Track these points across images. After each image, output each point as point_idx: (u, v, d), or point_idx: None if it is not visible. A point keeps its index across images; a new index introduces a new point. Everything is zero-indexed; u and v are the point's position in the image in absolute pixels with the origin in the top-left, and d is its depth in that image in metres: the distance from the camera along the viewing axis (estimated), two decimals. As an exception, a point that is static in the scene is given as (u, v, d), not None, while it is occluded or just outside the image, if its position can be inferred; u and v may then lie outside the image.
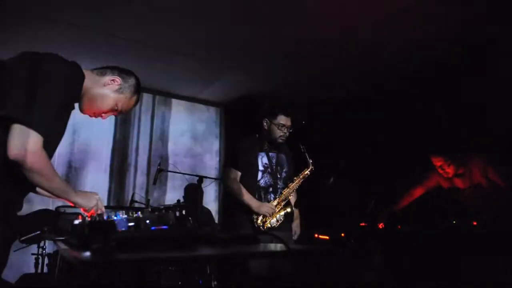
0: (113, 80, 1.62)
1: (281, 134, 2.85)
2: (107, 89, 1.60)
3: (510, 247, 2.65)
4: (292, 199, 2.96)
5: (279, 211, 2.80)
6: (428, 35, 3.37)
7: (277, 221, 2.78)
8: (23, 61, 1.33)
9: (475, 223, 2.95)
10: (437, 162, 3.20)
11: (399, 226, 3.36)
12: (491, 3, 2.90)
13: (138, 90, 1.72)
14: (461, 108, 3.62)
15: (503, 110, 3.36)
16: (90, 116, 1.65)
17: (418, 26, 3.22)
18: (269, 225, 2.75)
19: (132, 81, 1.68)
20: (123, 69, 1.70)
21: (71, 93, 1.44)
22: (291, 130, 2.89)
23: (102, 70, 1.64)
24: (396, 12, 3.05)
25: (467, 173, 3.19)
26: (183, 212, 1.37)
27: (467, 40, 3.43)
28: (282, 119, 2.86)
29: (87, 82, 1.53)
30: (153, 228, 1.26)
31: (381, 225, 3.50)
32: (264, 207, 2.72)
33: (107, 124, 4.59)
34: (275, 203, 2.80)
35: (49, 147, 1.34)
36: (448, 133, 3.53)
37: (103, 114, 1.66)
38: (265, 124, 2.92)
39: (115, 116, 1.75)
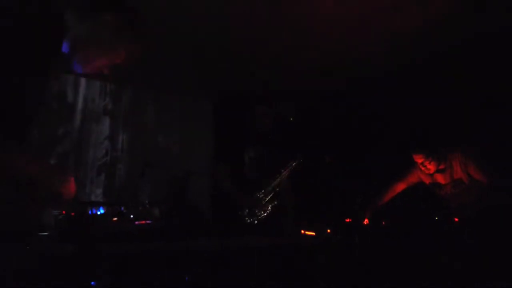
0: None
1: (265, 125, 2.88)
2: None
3: (491, 242, 2.70)
4: (285, 192, 2.98)
5: (266, 204, 2.81)
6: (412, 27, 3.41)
7: (265, 214, 2.80)
8: None
9: (456, 220, 2.99)
10: (418, 159, 3.22)
11: (383, 222, 3.40)
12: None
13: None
14: (442, 104, 3.69)
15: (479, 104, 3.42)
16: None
17: (405, 19, 3.26)
18: (257, 219, 2.77)
19: None
20: None
21: None
22: (277, 122, 2.92)
23: None
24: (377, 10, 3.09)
25: (448, 169, 3.21)
26: (169, 207, 1.38)
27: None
28: (263, 110, 2.89)
29: None
30: (136, 222, 1.27)
31: (366, 221, 3.53)
32: (252, 201, 2.73)
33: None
34: (262, 196, 2.82)
35: None
36: (429, 129, 3.58)
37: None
38: (251, 116, 2.95)
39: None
